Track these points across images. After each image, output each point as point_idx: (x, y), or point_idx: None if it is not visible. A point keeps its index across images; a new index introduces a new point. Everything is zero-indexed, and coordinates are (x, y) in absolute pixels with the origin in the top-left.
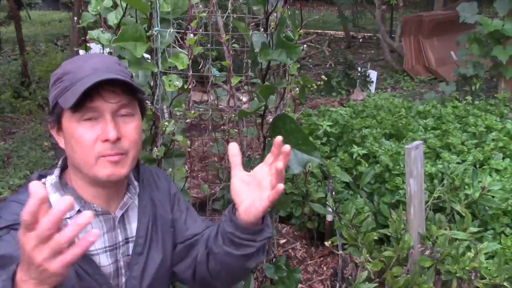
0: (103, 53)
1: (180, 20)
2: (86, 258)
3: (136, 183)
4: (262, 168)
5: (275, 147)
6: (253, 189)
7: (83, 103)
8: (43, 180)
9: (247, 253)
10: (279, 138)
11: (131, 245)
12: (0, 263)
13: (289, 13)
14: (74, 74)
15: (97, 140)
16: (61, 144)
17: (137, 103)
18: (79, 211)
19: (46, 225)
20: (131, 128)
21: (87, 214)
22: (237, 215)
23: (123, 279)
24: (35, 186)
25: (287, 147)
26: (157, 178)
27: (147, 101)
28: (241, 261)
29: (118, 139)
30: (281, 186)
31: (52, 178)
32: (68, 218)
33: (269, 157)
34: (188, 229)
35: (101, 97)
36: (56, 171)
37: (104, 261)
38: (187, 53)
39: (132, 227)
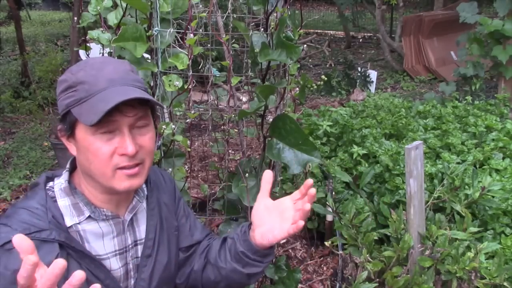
0: (103, 53)
1: (180, 20)
2: (96, 263)
3: (143, 185)
4: (286, 200)
5: (304, 187)
6: (274, 217)
7: (102, 117)
8: (51, 183)
9: (253, 272)
10: (310, 181)
11: (139, 247)
12: (13, 278)
13: (289, 13)
14: (89, 85)
15: (114, 153)
16: (72, 151)
17: (150, 111)
18: (89, 217)
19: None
20: (147, 139)
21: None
22: (251, 236)
23: (132, 281)
24: (19, 242)
25: (313, 191)
26: (162, 179)
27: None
28: (245, 278)
29: (136, 152)
30: (301, 223)
31: (61, 183)
32: (78, 223)
33: (296, 194)
34: (193, 235)
35: (119, 111)
36: (65, 175)
37: (115, 264)
38: (187, 53)
39: (141, 229)
